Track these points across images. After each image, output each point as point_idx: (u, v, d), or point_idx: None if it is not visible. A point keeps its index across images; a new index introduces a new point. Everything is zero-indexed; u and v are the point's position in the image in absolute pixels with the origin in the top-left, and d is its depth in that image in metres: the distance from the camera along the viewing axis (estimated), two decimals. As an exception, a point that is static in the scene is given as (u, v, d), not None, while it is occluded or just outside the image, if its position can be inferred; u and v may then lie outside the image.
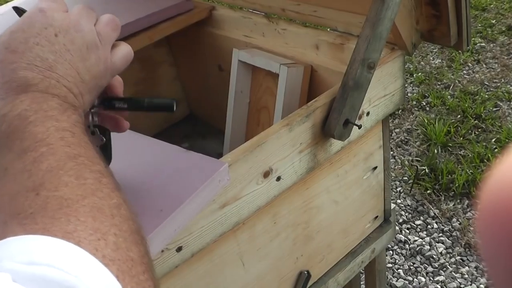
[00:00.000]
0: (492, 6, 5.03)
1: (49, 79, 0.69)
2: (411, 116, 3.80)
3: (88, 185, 0.60)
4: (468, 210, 3.05)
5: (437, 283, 2.69)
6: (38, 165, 0.59)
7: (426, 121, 3.65)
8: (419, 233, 2.98)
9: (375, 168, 1.44)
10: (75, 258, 0.51)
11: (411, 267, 2.80)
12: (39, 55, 0.70)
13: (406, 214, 3.11)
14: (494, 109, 3.71)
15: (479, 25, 4.75)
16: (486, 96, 3.84)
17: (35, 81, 0.68)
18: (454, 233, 2.94)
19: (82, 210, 0.56)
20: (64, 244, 0.51)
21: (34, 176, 0.58)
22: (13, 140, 0.62)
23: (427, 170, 3.29)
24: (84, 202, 0.57)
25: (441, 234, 2.95)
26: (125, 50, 0.84)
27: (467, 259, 2.78)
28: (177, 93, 2.13)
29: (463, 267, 2.74)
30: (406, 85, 4.10)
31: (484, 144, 3.40)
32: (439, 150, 3.43)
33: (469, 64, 4.28)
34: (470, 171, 3.21)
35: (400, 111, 3.85)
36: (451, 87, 4.01)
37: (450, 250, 2.86)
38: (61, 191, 0.57)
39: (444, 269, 2.76)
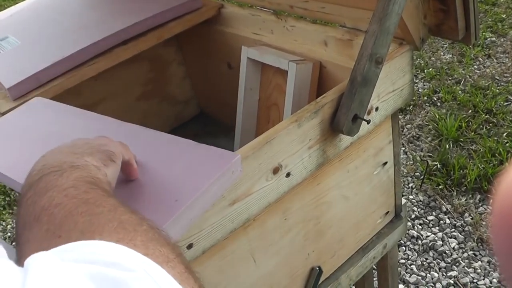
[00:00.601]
0: (502, 0, 5.01)
1: (44, 165, 0.75)
2: (422, 112, 3.79)
3: (104, 215, 0.63)
4: (480, 204, 3.04)
5: (450, 278, 2.69)
6: (52, 221, 0.62)
7: (437, 117, 3.64)
8: (432, 229, 2.98)
9: (385, 163, 1.44)
10: (121, 252, 0.53)
11: (424, 263, 2.80)
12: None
13: (418, 209, 3.11)
14: (505, 103, 3.70)
15: (490, 19, 4.73)
16: (497, 90, 3.82)
17: (36, 177, 0.73)
18: (466, 228, 2.93)
19: (106, 229, 0.59)
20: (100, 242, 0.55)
21: (52, 228, 0.61)
22: (28, 222, 0.65)
23: (439, 166, 3.28)
24: (104, 227, 0.60)
25: (453, 229, 2.94)
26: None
27: (480, 254, 2.78)
28: (186, 92, 2.14)
29: (476, 262, 2.74)
30: (417, 80, 4.10)
31: (496, 138, 3.39)
32: (451, 145, 3.42)
33: (480, 59, 4.27)
34: (482, 165, 3.20)
35: (411, 106, 3.84)
36: (462, 82, 4.00)
37: (462, 245, 2.85)
38: (80, 226, 0.60)
39: (457, 264, 2.75)
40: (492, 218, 0.32)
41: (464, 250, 2.82)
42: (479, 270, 2.69)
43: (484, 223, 2.92)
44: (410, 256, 2.85)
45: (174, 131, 2.10)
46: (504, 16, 4.77)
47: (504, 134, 3.41)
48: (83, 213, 0.62)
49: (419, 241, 2.93)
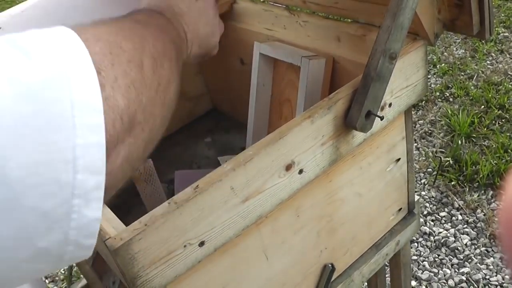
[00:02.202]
0: (515, -5, 5.00)
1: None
2: (434, 107, 3.78)
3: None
4: (492, 201, 3.03)
5: (462, 275, 2.68)
6: None
7: (449, 112, 3.63)
8: (444, 225, 2.97)
9: (398, 159, 1.43)
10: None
11: (436, 259, 2.79)
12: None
13: (430, 206, 3.10)
14: (518, 99, 3.69)
15: (503, 15, 4.72)
16: (510, 86, 3.81)
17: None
18: (478, 224, 2.93)
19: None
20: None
21: None
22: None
23: (451, 162, 3.27)
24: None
25: (465, 226, 2.94)
26: None
27: (492, 250, 2.77)
28: (199, 87, 2.13)
29: (488, 258, 2.73)
30: (429, 76, 4.09)
31: (508, 134, 3.38)
32: (463, 141, 3.41)
33: (493, 54, 4.26)
34: (494, 161, 3.20)
35: (423, 102, 3.83)
36: (475, 77, 3.99)
37: (475, 242, 2.85)
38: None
39: (469, 260, 2.74)
40: (501, 215, 0.32)
41: (476, 247, 2.82)
42: (491, 267, 2.69)
43: (496, 219, 2.91)
44: (422, 253, 2.85)
45: (187, 127, 2.10)
46: (517, 11, 4.75)
47: (517, 130, 3.40)
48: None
49: (431, 238, 2.92)
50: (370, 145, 1.31)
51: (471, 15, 1.24)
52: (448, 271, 2.71)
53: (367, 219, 1.44)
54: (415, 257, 2.82)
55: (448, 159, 3.28)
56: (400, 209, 1.55)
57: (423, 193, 3.17)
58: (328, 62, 1.45)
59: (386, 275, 1.94)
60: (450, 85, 3.95)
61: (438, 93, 3.89)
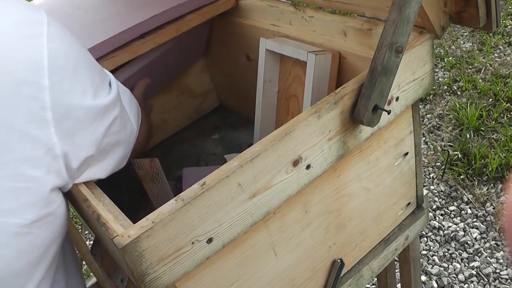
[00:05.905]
0: (522, -13, 4.97)
1: None
2: (442, 101, 3.77)
3: None
4: (501, 194, 3.02)
5: (472, 269, 2.67)
6: None
7: (457, 106, 3.62)
8: (453, 219, 2.96)
9: (406, 154, 1.43)
10: None
11: (446, 254, 2.79)
12: None
13: (439, 200, 3.09)
14: (527, 91, 3.67)
15: (510, 7, 4.70)
16: (518, 78, 3.80)
17: None
18: (488, 218, 2.92)
19: None
20: None
21: None
22: None
23: (459, 155, 3.26)
24: None
25: (475, 219, 2.93)
26: None
27: (502, 244, 2.76)
28: (206, 84, 2.13)
29: (498, 252, 2.72)
30: (437, 69, 4.07)
31: (517, 127, 3.37)
32: (472, 134, 3.40)
33: (500, 47, 4.24)
34: (503, 155, 3.18)
35: (431, 96, 3.82)
36: (483, 70, 3.98)
37: (484, 235, 2.84)
38: None
39: (479, 254, 2.74)
40: (507, 208, 0.32)
41: (486, 240, 2.81)
42: (501, 260, 2.68)
43: (503, 213, 2.91)
44: (432, 247, 2.84)
45: (194, 124, 2.10)
46: (524, 3, 4.73)
47: (526, 123, 3.39)
48: None
49: (441, 232, 2.91)
50: (377, 139, 1.31)
51: (477, 7, 1.23)
52: (458, 265, 2.70)
53: (376, 214, 1.44)
54: (424, 252, 2.82)
55: (456, 152, 3.27)
56: (409, 203, 1.54)
57: (432, 187, 3.17)
58: (335, 57, 1.45)
59: (396, 270, 1.94)
60: (458, 79, 3.94)
61: (446, 87, 3.88)
